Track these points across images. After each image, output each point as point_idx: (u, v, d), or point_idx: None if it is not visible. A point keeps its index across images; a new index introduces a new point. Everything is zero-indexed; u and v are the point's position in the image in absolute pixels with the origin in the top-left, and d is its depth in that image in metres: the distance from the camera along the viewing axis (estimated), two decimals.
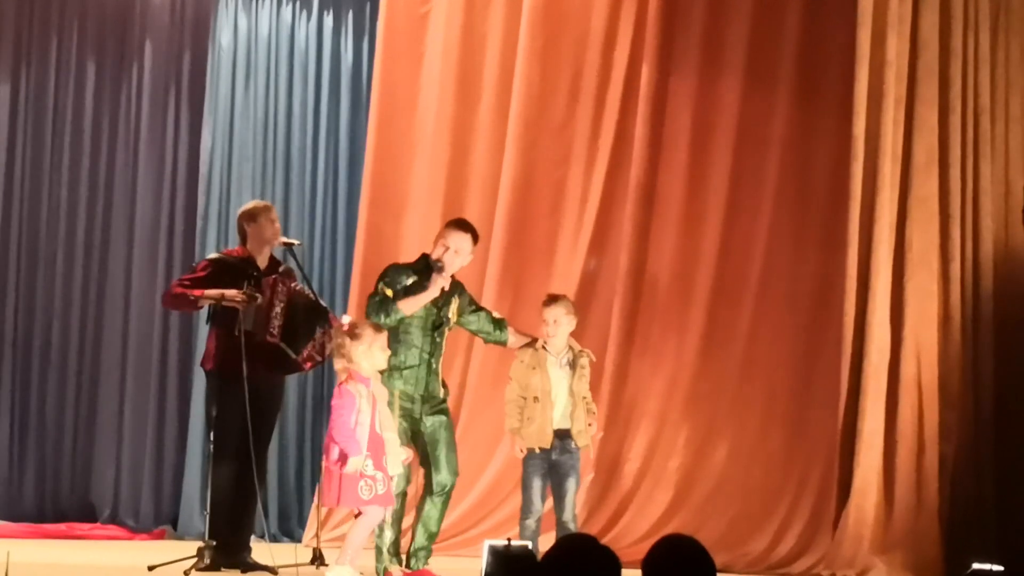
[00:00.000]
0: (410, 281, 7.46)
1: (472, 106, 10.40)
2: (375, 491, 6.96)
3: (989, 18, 9.27)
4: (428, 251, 7.66)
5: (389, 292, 7.40)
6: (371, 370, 7.07)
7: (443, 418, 7.52)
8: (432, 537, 7.47)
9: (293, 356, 7.83)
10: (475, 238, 7.62)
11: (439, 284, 7.44)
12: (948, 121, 9.13)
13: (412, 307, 7.42)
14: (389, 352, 7.18)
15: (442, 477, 7.42)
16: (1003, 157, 9.28)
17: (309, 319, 7.94)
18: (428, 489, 7.43)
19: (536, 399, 7.72)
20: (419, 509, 7.44)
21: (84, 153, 11.03)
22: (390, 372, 7.33)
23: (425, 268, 7.52)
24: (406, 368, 7.40)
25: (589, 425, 7.80)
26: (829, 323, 9.21)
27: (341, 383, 7.08)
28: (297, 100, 11.16)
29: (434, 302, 7.49)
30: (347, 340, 7.07)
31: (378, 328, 7.15)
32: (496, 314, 7.94)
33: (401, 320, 7.38)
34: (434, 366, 7.49)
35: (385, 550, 7.29)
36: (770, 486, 9.34)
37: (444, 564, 7.87)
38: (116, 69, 11.10)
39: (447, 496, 7.48)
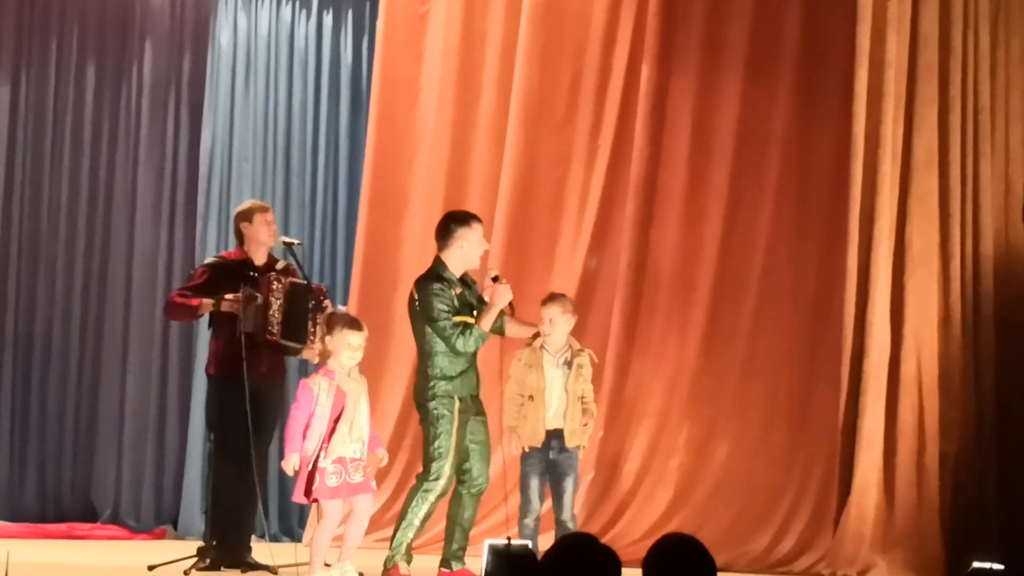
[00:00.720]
0: (454, 293, 7.41)
1: (472, 105, 10.40)
2: (320, 483, 6.93)
3: (989, 16, 9.27)
4: (431, 250, 7.62)
5: (468, 319, 7.36)
6: (337, 365, 7.05)
7: (484, 418, 7.56)
8: (467, 535, 7.52)
9: (297, 347, 7.82)
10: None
11: (506, 295, 7.42)
12: (948, 119, 9.12)
13: (489, 323, 7.42)
14: (358, 355, 7.10)
15: (483, 479, 7.47)
16: (1003, 155, 9.27)
17: (302, 303, 7.93)
18: (467, 488, 7.45)
19: (531, 398, 7.73)
20: (455, 510, 7.45)
21: (84, 154, 11.02)
22: (444, 380, 7.33)
23: (446, 279, 7.42)
24: (456, 375, 7.39)
25: (584, 425, 7.78)
26: (829, 321, 9.21)
27: (312, 374, 7.09)
28: (297, 100, 11.15)
29: (472, 305, 7.49)
30: (323, 330, 7.08)
31: (351, 325, 7.10)
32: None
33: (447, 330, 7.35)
34: (475, 364, 7.53)
35: (406, 544, 7.29)
36: (771, 484, 9.33)
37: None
38: (116, 69, 11.09)
39: (479, 498, 7.54)
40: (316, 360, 7.29)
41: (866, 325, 8.90)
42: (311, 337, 7.84)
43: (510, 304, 7.56)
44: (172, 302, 8.17)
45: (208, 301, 7.88)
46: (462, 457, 7.42)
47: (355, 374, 7.13)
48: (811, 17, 9.62)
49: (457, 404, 7.35)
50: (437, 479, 7.29)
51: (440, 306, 7.35)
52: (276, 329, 7.84)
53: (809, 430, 9.33)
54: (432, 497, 7.31)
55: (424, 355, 7.41)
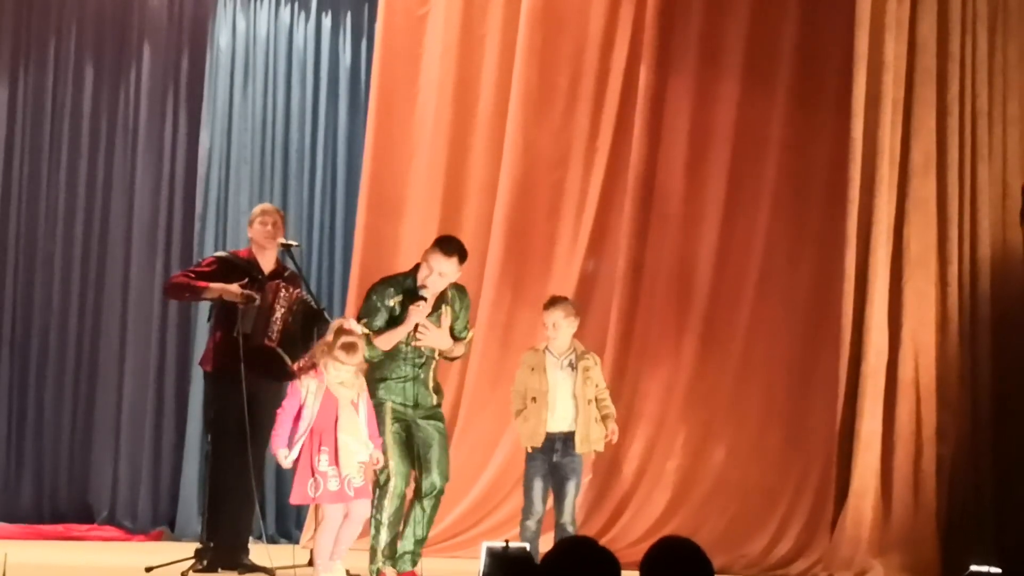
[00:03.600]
0: (392, 302, 7.33)
1: (470, 107, 10.40)
2: (323, 488, 6.91)
3: (987, 21, 9.27)
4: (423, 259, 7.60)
5: (367, 332, 7.22)
6: (332, 370, 7.00)
7: (436, 422, 7.46)
8: (420, 542, 7.38)
9: (288, 363, 7.77)
10: (461, 259, 7.39)
11: (415, 318, 7.27)
12: (946, 123, 9.12)
13: (388, 343, 7.29)
14: (340, 376, 6.98)
15: (433, 479, 7.34)
16: (1001, 159, 9.28)
17: (308, 326, 7.92)
18: (418, 492, 7.37)
19: (534, 399, 7.73)
20: (409, 513, 7.36)
21: (82, 154, 11.02)
22: (383, 383, 7.31)
23: (413, 288, 7.36)
24: (394, 380, 7.35)
25: (611, 433, 7.76)
26: (827, 324, 9.21)
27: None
28: (295, 101, 11.15)
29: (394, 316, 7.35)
30: (327, 337, 7.04)
31: (346, 348, 6.96)
32: (465, 333, 7.65)
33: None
34: (423, 377, 7.40)
35: (380, 551, 7.26)
36: (768, 487, 9.33)
37: (441, 565, 7.87)
38: (114, 70, 11.09)
39: (437, 500, 7.40)
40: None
41: (864, 328, 8.90)
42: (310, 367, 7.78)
43: (467, 310, 7.50)
44: (176, 282, 8.15)
45: (216, 286, 7.85)
46: (417, 456, 7.34)
47: (349, 379, 7.03)
48: (809, 20, 9.63)
49: (390, 409, 7.28)
50: (388, 480, 7.23)
51: (366, 306, 7.35)
52: (275, 336, 7.82)
53: (806, 433, 9.32)
54: (389, 496, 7.24)
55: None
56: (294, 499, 7.09)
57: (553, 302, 7.91)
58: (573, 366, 7.79)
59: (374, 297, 7.39)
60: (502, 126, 10.25)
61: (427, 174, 10.39)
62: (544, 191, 10.22)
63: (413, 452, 7.36)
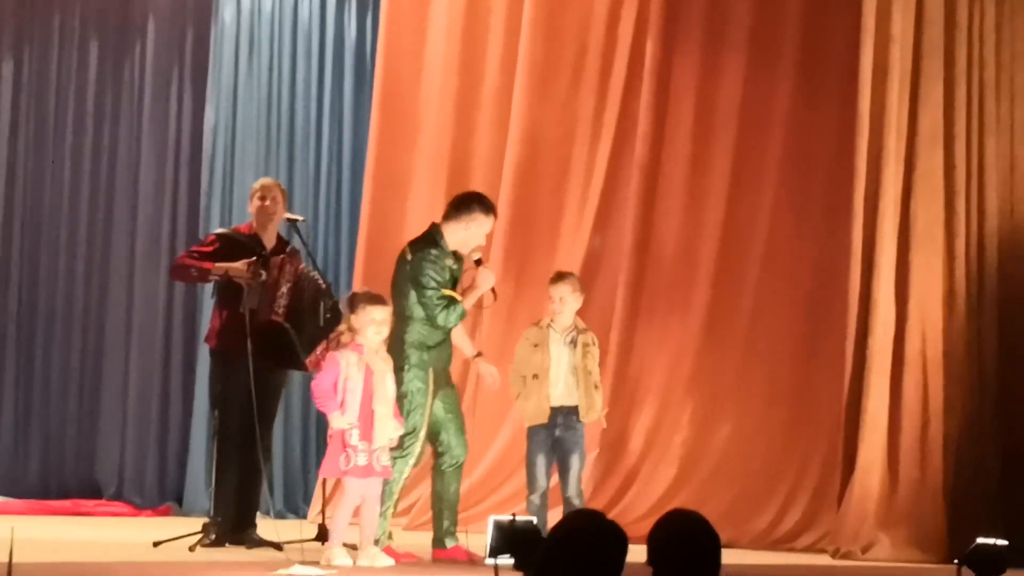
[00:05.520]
0: (449, 262, 7.41)
1: (476, 83, 10.38)
2: (354, 462, 6.95)
3: None
4: (436, 220, 7.63)
5: (455, 295, 7.37)
6: (365, 341, 7.06)
7: (455, 389, 7.60)
8: (456, 512, 7.52)
9: (296, 342, 7.75)
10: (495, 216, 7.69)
11: (490, 280, 7.49)
12: (953, 96, 9.08)
13: (470, 303, 7.48)
14: (384, 330, 7.11)
15: (456, 452, 7.46)
16: (1008, 132, 9.24)
17: (315, 302, 7.89)
18: (445, 463, 7.45)
19: (535, 376, 7.75)
20: (438, 488, 7.45)
21: (87, 131, 11.01)
22: (420, 351, 7.33)
23: (441, 248, 7.43)
24: (433, 346, 7.39)
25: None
26: (833, 299, 9.20)
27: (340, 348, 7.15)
28: (300, 76, 11.12)
29: (454, 280, 7.49)
30: (346, 309, 7.10)
31: (373, 300, 7.11)
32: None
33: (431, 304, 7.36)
34: (450, 340, 7.54)
35: (388, 520, 7.31)
36: (774, 462, 9.34)
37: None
38: (119, 46, 11.08)
39: (460, 471, 7.54)
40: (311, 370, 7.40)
41: (870, 303, 8.88)
42: (317, 354, 7.79)
43: (492, 289, 7.57)
44: (181, 263, 8.14)
45: (221, 266, 7.83)
46: (435, 430, 7.41)
47: (382, 352, 7.13)
48: None
49: (431, 376, 7.35)
50: (408, 456, 7.29)
51: (432, 275, 7.36)
52: (282, 312, 7.79)
53: (812, 408, 9.32)
54: (406, 472, 7.32)
55: (402, 320, 7.36)
56: (324, 471, 7.17)
57: (560, 276, 7.92)
58: (574, 342, 7.79)
59: (435, 260, 7.38)
60: (508, 101, 10.23)
61: (433, 149, 10.38)
62: (550, 166, 10.21)
63: (435, 428, 7.43)
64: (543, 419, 7.74)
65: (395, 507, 7.40)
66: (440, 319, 7.32)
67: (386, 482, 7.22)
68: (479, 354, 7.83)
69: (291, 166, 11.07)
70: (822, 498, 9.09)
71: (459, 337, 7.72)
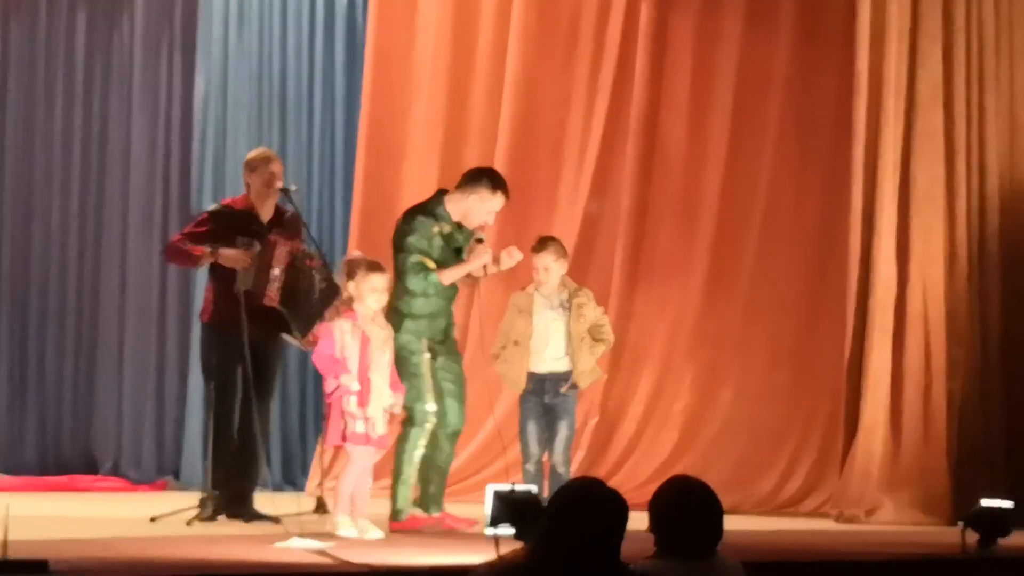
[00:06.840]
0: (437, 230, 7.31)
1: (469, 47, 10.29)
2: (352, 429, 6.91)
3: None
4: (443, 187, 7.58)
5: (430, 263, 7.26)
6: (364, 308, 6.99)
7: (458, 357, 7.52)
8: (446, 479, 7.48)
9: (293, 326, 7.67)
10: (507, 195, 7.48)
11: (483, 258, 7.35)
12: (952, 54, 9.00)
13: (452, 278, 7.33)
14: (384, 297, 7.06)
15: (458, 418, 7.40)
16: (1008, 91, 9.18)
17: (310, 283, 7.77)
18: (441, 429, 7.37)
19: (516, 343, 7.67)
20: (429, 451, 7.36)
21: (77, 100, 10.92)
22: (413, 319, 7.25)
23: (435, 215, 7.34)
24: (427, 317, 7.31)
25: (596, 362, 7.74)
26: (834, 261, 9.16)
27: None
28: (291, 43, 11.00)
29: (457, 251, 7.40)
30: (344, 276, 7.03)
31: (373, 268, 7.05)
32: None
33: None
34: (450, 310, 7.46)
35: (408, 494, 7.28)
36: (776, 426, 9.33)
37: (448, 510, 7.81)
38: (108, 14, 10.97)
39: (455, 441, 7.48)
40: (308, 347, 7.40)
41: (871, 264, 8.83)
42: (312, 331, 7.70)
43: (484, 266, 7.46)
44: (173, 247, 8.04)
45: (209, 252, 7.72)
46: (435, 397, 7.35)
47: (380, 320, 7.08)
48: None
49: (424, 344, 7.28)
50: (422, 423, 7.24)
51: (411, 239, 7.29)
52: (276, 294, 7.67)
53: (814, 370, 9.31)
54: (421, 442, 7.27)
55: (398, 290, 7.29)
56: (330, 441, 7.11)
57: (542, 245, 7.79)
58: (565, 305, 7.71)
59: (419, 227, 7.28)
60: (502, 66, 10.16)
61: (426, 116, 10.30)
62: (546, 131, 10.15)
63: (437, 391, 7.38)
64: (520, 388, 7.71)
65: (415, 475, 7.32)
66: (408, 283, 7.24)
67: (401, 450, 7.18)
68: (479, 240, 7.50)
69: (283, 135, 10.96)
70: (825, 461, 9.10)
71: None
